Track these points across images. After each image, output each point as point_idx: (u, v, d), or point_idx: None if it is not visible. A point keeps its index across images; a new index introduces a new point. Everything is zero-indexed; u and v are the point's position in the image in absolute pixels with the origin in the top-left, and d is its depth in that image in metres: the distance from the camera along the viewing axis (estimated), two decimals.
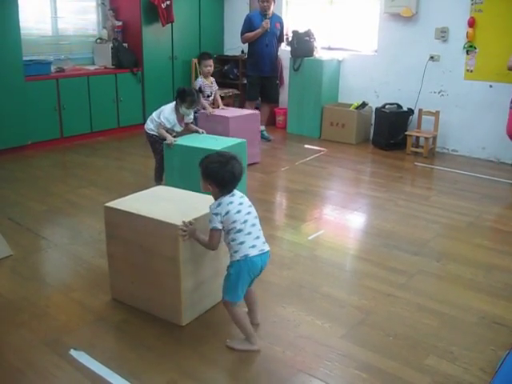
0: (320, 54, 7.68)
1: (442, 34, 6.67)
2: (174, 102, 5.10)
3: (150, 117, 5.22)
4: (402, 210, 4.88)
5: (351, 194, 5.40)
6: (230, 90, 8.51)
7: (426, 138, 6.71)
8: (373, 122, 7.34)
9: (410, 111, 7.03)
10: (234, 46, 8.49)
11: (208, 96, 6.12)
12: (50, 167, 6.04)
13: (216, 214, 2.69)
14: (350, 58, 7.61)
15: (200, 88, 5.97)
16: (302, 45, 7.51)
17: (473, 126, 6.68)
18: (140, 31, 7.62)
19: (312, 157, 6.62)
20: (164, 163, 5.08)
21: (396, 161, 6.57)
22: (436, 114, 6.76)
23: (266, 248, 2.78)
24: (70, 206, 4.85)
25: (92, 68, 7.50)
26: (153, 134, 5.15)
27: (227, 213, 2.68)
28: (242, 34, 7.07)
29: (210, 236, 2.74)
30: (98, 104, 7.22)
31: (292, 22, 8.11)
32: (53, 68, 6.90)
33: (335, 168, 6.26)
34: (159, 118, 5.07)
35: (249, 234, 2.70)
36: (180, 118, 5.12)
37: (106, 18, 7.79)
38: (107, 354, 2.75)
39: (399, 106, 7.07)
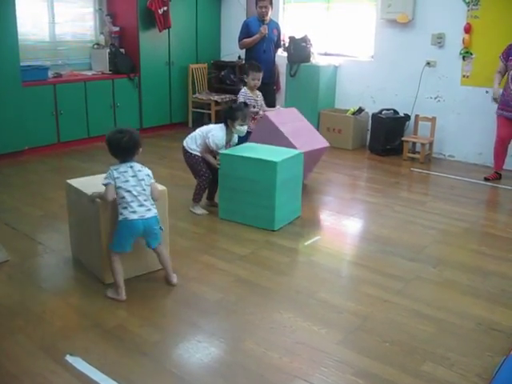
0: (317, 59, 7.69)
1: (439, 40, 6.70)
2: (222, 125, 4.71)
3: (192, 135, 4.80)
4: (399, 216, 4.88)
5: (347, 200, 5.40)
6: (227, 95, 8.51)
7: (423, 144, 6.72)
8: (369, 127, 7.35)
9: (407, 117, 7.05)
10: (231, 51, 8.50)
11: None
12: (46, 172, 6.03)
13: (110, 174, 3.27)
14: (346, 63, 7.63)
15: (244, 101, 5.46)
16: (299, 50, 7.53)
17: (469, 132, 6.70)
18: (137, 37, 7.63)
19: None
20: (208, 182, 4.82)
21: (392, 166, 6.59)
22: (432, 120, 6.78)
23: (148, 215, 3.28)
24: (67, 211, 4.83)
25: (89, 73, 7.50)
26: (195, 155, 4.75)
27: (117, 178, 3.25)
28: (240, 39, 7.05)
29: (105, 189, 3.26)
30: (95, 109, 7.21)
31: (289, 27, 8.13)
32: (50, 73, 6.89)
33: (332, 173, 6.26)
34: (207, 140, 4.63)
35: (132, 201, 3.24)
36: (227, 141, 4.77)
37: (104, 23, 7.80)
38: (103, 359, 2.74)
39: (396, 112, 7.09)
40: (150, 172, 3.40)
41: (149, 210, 3.29)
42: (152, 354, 2.79)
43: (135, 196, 3.25)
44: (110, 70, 7.54)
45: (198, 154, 4.73)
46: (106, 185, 3.26)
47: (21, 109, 6.41)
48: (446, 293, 3.52)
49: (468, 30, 6.43)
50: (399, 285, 3.58)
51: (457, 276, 3.74)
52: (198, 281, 3.58)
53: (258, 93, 5.75)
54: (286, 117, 5.58)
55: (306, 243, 4.24)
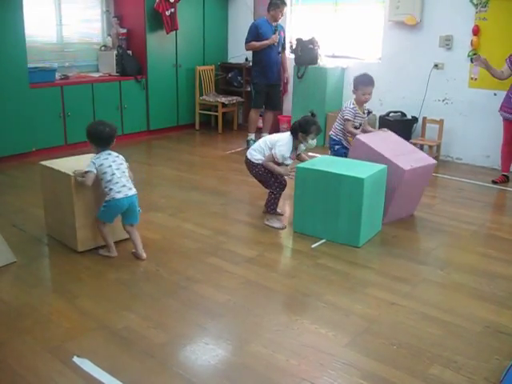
0: (324, 61, 7.69)
1: (447, 42, 6.69)
2: (290, 136, 4.46)
3: (257, 147, 4.57)
4: (406, 218, 4.86)
5: None
6: (234, 97, 8.52)
7: (430, 147, 6.71)
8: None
9: (414, 119, 7.03)
10: (238, 53, 8.52)
11: (356, 128, 5.11)
12: None
13: (93, 163, 3.77)
14: (354, 65, 7.61)
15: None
16: (306, 53, 7.52)
17: (477, 135, 6.68)
18: (144, 39, 7.65)
19: None
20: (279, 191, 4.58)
21: None
22: (440, 122, 6.76)
23: (131, 193, 3.82)
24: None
25: (96, 75, 7.53)
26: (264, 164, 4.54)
27: (101, 165, 3.77)
28: (247, 41, 7.00)
29: (86, 176, 3.76)
30: (102, 111, 7.23)
31: (296, 29, 8.13)
32: (57, 75, 6.92)
33: None
34: (273, 151, 4.41)
35: (116, 183, 3.76)
36: (294, 151, 4.55)
37: (111, 25, 7.83)
38: (110, 361, 2.74)
39: (403, 114, 7.07)
40: (123, 158, 3.95)
41: (130, 188, 3.84)
42: (159, 356, 2.79)
43: (119, 177, 3.78)
44: (117, 72, 7.57)
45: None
46: (87, 172, 3.75)
47: (28, 110, 6.44)
48: (453, 295, 3.50)
49: (476, 32, 6.41)
50: (406, 287, 3.57)
51: (464, 279, 3.72)
52: (205, 283, 3.58)
53: (366, 108, 5.21)
54: (381, 139, 4.95)
55: (312, 246, 4.23)
